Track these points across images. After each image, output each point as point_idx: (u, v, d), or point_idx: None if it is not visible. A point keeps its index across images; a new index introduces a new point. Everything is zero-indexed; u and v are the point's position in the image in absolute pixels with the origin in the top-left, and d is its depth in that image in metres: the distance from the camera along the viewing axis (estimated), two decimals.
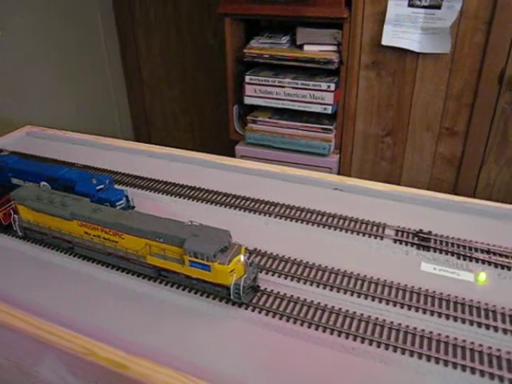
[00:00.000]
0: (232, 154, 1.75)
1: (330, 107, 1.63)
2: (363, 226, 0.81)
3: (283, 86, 1.66)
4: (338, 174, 1.77)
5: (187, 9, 2.07)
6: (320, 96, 1.64)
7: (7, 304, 0.67)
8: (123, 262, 0.72)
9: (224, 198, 0.91)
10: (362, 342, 0.60)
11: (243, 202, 0.89)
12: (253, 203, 0.88)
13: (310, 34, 1.64)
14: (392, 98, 1.69)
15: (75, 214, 0.73)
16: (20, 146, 1.15)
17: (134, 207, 0.86)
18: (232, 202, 0.90)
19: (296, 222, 0.83)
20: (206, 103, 2.24)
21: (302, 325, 0.63)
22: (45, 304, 0.68)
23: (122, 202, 0.82)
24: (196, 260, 0.63)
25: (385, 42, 1.61)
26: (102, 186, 0.82)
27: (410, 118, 1.70)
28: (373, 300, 0.66)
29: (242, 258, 0.64)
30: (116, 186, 0.92)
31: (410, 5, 1.55)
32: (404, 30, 1.59)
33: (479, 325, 0.62)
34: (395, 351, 0.58)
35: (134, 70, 2.34)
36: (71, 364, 0.64)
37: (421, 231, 0.79)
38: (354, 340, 0.60)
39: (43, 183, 0.87)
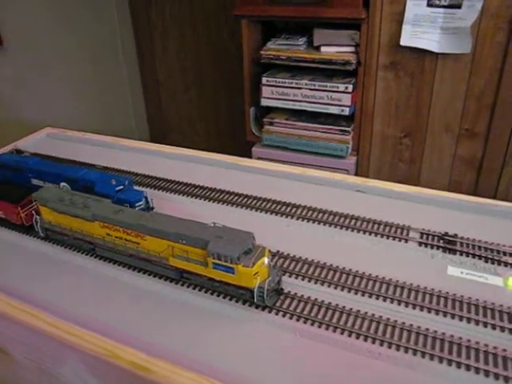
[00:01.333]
0: (248, 156, 1.75)
1: (347, 109, 1.62)
2: (387, 228, 0.79)
3: (300, 88, 1.65)
4: (356, 175, 1.75)
5: (203, 10, 2.07)
6: (337, 97, 1.62)
7: (28, 304, 0.67)
8: (145, 264, 0.71)
9: (244, 199, 0.90)
10: (389, 347, 0.58)
11: (264, 203, 0.89)
12: (274, 205, 0.87)
13: (327, 35, 1.62)
14: (410, 99, 1.67)
15: (97, 215, 0.73)
16: (40, 148, 1.16)
17: (153, 208, 0.86)
18: (252, 203, 0.89)
19: (318, 224, 0.81)
20: (222, 105, 2.24)
21: (327, 329, 0.61)
22: (66, 305, 0.68)
23: (141, 202, 0.81)
24: (220, 262, 0.62)
25: (403, 42, 1.59)
26: (121, 187, 0.82)
27: (429, 119, 1.67)
28: (399, 304, 0.65)
29: (266, 260, 0.63)
30: (136, 188, 0.92)
31: (429, 4, 1.53)
32: (423, 30, 1.57)
33: (510, 331, 0.60)
34: (423, 357, 0.57)
35: (150, 72, 2.35)
36: (92, 366, 0.63)
37: (446, 234, 0.77)
38: (381, 345, 0.59)
39: (63, 184, 0.87)
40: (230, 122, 2.25)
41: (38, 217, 0.81)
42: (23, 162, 0.92)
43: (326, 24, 1.60)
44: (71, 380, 0.69)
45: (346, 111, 1.62)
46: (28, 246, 0.82)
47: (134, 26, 2.26)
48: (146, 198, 0.83)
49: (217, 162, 1.05)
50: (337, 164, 1.69)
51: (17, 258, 0.80)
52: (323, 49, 1.62)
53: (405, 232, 0.78)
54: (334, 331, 0.61)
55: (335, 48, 1.61)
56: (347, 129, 1.66)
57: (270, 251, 0.65)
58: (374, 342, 0.59)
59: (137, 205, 0.80)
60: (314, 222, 0.82)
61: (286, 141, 1.71)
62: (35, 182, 0.91)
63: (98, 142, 1.18)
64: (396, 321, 0.62)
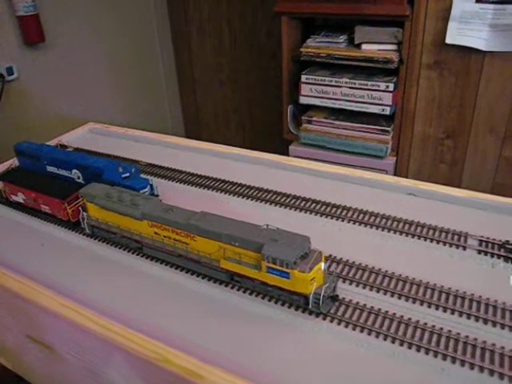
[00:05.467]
0: (284, 154, 1.72)
1: (388, 108, 1.58)
2: (443, 234, 0.76)
3: (340, 86, 1.61)
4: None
5: (240, 7, 2.05)
6: (378, 96, 1.58)
7: (75, 302, 0.66)
8: (194, 265, 0.70)
9: (292, 200, 0.88)
10: (453, 363, 0.55)
11: (313, 204, 0.86)
12: (324, 207, 0.85)
13: (368, 32, 1.58)
14: (454, 99, 1.61)
15: (146, 213, 0.72)
16: (84, 143, 1.17)
17: (157, 195, 0.88)
18: (301, 204, 0.86)
19: (370, 227, 0.78)
20: (257, 102, 2.22)
21: (385, 339, 0.59)
22: (113, 304, 0.67)
23: (146, 189, 0.85)
24: (274, 266, 0.60)
25: (449, 40, 1.54)
26: (127, 174, 0.86)
27: (473, 119, 1.61)
28: (460, 315, 0.61)
29: (322, 265, 0.60)
30: (181, 186, 0.92)
31: (478, 0, 1.47)
32: (470, 28, 1.51)
33: None
34: (491, 375, 0.53)
35: (186, 69, 2.35)
36: (141, 369, 0.62)
37: (507, 242, 0.73)
38: (444, 359, 0.56)
39: (74, 171, 0.90)
40: (265, 120, 2.23)
41: (84, 213, 0.81)
42: (39, 149, 0.95)
43: (368, 21, 1.56)
44: (117, 381, 0.68)
45: (387, 110, 1.58)
46: (74, 242, 0.82)
47: (171, 22, 2.26)
48: (151, 185, 0.87)
49: (260, 161, 1.03)
50: (375, 164, 1.65)
51: (63, 254, 0.80)
52: (364, 46, 1.58)
53: (462, 239, 0.74)
54: (393, 342, 0.58)
55: (377, 46, 1.57)
56: (387, 128, 1.61)
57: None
58: (436, 356, 0.56)
59: (142, 191, 0.84)
60: (365, 226, 0.79)
61: (324, 140, 1.68)
62: (50, 168, 0.93)
63: (140, 137, 1.17)
64: (459, 333, 0.58)
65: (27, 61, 1.64)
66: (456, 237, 0.75)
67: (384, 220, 0.80)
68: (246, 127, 2.34)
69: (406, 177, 1.74)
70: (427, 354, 0.56)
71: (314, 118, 1.67)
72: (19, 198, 0.89)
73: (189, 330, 0.62)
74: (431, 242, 0.74)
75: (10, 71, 1.59)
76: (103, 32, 1.95)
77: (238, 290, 0.68)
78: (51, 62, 1.73)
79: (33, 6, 1.56)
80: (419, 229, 0.77)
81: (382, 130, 1.62)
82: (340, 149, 1.67)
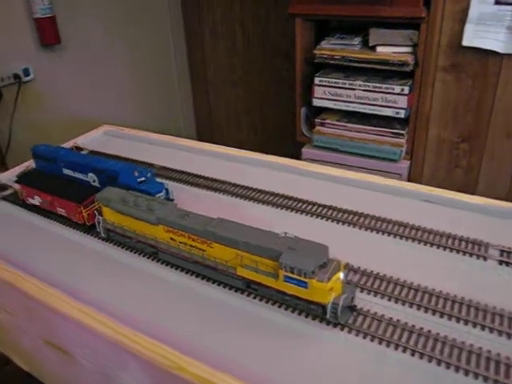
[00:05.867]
0: (296, 157, 1.71)
1: (402, 111, 1.56)
2: (462, 243, 0.74)
3: (354, 89, 1.60)
4: (408, 181, 1.69)
5: (253, 9, 2.04)
6: (392, 99, 1.56)
7: (90, 306, 0.66)
8: (210, 272, 0.69)
9: (310, 206, 0.87)
10: (476, 378, 0.54)
11: (325, 210, 0.85)
12: (335, 212, 0.84)
13: (383, 34, 1.56)
14: (471, 103, 1.59)
15: (161, 218, 0.71)
16: (99, 145, 1.17)
17: (172, 200, 0.87)
18: (313, 209, 0.85)
19: (385, 234, 0.77)
20: (269, 104, 2.21)
21: (404, 351, 0.58)
22: (127, 309, 0.67)
23: (161, 194, 0.84)
24: (292, 275, 0.59)
25: (466, 42, 1.51)
26: (143, 179, 0.86)
27: (490, 123, 1.59)
28: (482, 329, 0.60)
29: (341, 275, 0.59)
30: (196, 190, 0.91)
31: (497, 2, 1.45)
32: (487, 30, 1.49)
33: None
34: None
35: (199, 70, 2.35)
36: (155, 376, 0.62)
37: None
38: (466, 375, 0.54)
39: (90, 174, 0.90)
40: (277, 122, 2.22)
41: (100, 217, 0.81)
42: (56, 152, 0.95)
43: (383, 23, 1.54)
44: None
45: (402, 114, 1.56)
46: (89, 245, 0.82)
47: (184, 24, 2.26)
48: (166, 189, 0.86)
49: (276, 165, 1.02)
50: (389, 168, 1.63)
51: (79, 257, 0.80)
52: (379, 49, 1.56)
53: (483, 249, 0.73)
54: (413, 355, 0.57)
55: (392, 48, 1.55)
56: (401, 132, 1.60)
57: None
58: (457, 371, 0.55)
59: (157, 196, 0.83)
60: (379, 233, 0.78)
61: (337, 142, 1.66)
62: (66, 171, 0.93)
63: (154, 140, 1.17)
64: (481, 348, 0.57)
65: (43, 62, 1.65)
66: (476, 246, 0.74)
67: (401, 227, 0.78)
68: (258, 129, 2.33)
69: (420, 181, 1.72)
70: (448, 368, 0.55)
71: (327, 121, 1.66)
72: (35, 200, 0.90)
73: (203, 337, 0.62)
74: (450, 251, 0.73)
75: (26, 72, 1.60)
76: (118, 34, 1.95)
77: (254, 297, 0.67)
78: (67, 63, 1.74)
79: (49, 9, 1.57)
80: (437, 237, 0.76)
81: (396, 133, 1.60)
82: (353, 151, 1.66)
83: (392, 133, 1.61)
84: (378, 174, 0.96)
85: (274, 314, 0.64)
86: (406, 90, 1.53)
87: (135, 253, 0.79)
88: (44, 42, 1.62)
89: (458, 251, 0.73)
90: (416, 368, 0.55)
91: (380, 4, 1.48)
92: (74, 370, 0.77)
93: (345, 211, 0.84)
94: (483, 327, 0.60)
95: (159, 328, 0.63)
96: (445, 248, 0.74)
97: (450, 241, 0.75)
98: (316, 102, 1.66)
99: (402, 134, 1.60)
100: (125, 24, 1.97)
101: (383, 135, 1.62)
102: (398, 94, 1.55)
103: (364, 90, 1.59)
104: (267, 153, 1.08)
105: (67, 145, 1.14)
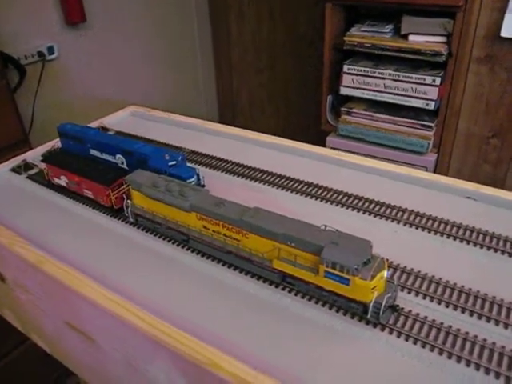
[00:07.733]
0: (320, 145, 1.68)
1: (432, 103, 1.51)
2: (508, 244, 0.71)
3: (383, 78, 1.55)
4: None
5: None
6: (423, 90, 1.52)
7: (117, 294, 0.64)
8: (244, 263, 0.67)
9: (346, 197, 0.83)
10: None
11: (365, 203, 0.82)
12: (377, 206, 0.80)
13: (416, 23, 1.51)
14: (504, 97, 1.53)
15: (195, 206, 0.69)
16: (125, 126, 1.14)
17: (204, 186, 0.84)
18: (348, 201, 0.82)
19: (428, 232, 0.74)
20: (293, 91, 2.17)
21: (449, 357, 0.55)
22: (157, 299, 0.64)
23: (192, 179, 0.81)
24: (334, 271, 0.57)
25: (504, 33, 1.45)
26: (174, 163, 0.82)
27: None
28: None
29: (385, 273, 0.56)
30: (226, 176, 0.88)
31: None
32: None
33: None
34: None
35: (223, 55, 2.30)
36: (188, 372, 0.59)
37: None
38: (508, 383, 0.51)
39: (118, 156, 0.87)
40: (301, 109, 2.18)
41: (128, 201, 0.78)
42: (84, 132, 0.92)
43: (416, 11, 1.49)
44: (159, 379, 0.66)
45: (432, 105, 1.52)
46: (116, 230, 0.80)
47: (210, 7, 2.21)
48: (198, 175, 0.83)
49: (313, 155, 0.98)
50: (415, 160, 1.59)
51: (105, 242, 0.77)
52: (411, 37, 1.51)
53: None
54: (459, 362, 0.54)
55: (424, 37, 1.50)
56: (430, 124, 1.55)
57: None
58: (497, 378, 0.52)
59: (188, 181, 0.79)
60: (423, 230, 0.74)
61: (363, 132, 1.63)
62: (93, 152, 0.91)
63: (182, 123, 1.14)
64: None
65: (68, 41, 1.63)
66: None
67: (442, 224, 0.75)
68: (281, 116, 2.29)
69: (447, 174, 1.68)
70: (497, 378, 0.52)
71: (353, 110, 1.62)
72: (62, 181, 0.88)
73: (242, 334, 0.59)
74: (495, 251, 0.70)
75: (50, 50, 1.58)
76: (143, 14, 1.92)
77: (290, 292, 0.64)
78: (91, 42, 1.71)
79: None
80: (481, 236, 0.72)
81: (424, 125, 1.56)
82: (379, 142, 1.62)
83: (420, 125, 1.56)
84: (404, 166, 0.92)
85: (310, 309, 0.62)
86: (438, 80, 1.48)
87: (164, 239, 0.76)
88: (69, 21, 1.60)
89: (503, 252, 0.69)
90: (463, 376, 0.52)
91: None
92: (98, 355, 0.75)
93: (382, 204, 0.81)
94: None
95: (191, 320, 0.61)
96: (489, 248, 0.70)
97: (494, 241, 0.71)
98: (343, 91, 1.61)
99: (431, 127, 1.56)
100: (150, 4, 1.93)
101: (411, 127, 1.58)
102: (429, 84, 1.50)
103: (394, 80, 1.54)
104: (291, 139, 1.04)
105: (93, 125, 1.12)
